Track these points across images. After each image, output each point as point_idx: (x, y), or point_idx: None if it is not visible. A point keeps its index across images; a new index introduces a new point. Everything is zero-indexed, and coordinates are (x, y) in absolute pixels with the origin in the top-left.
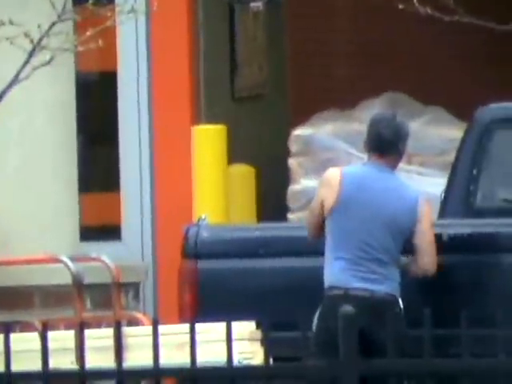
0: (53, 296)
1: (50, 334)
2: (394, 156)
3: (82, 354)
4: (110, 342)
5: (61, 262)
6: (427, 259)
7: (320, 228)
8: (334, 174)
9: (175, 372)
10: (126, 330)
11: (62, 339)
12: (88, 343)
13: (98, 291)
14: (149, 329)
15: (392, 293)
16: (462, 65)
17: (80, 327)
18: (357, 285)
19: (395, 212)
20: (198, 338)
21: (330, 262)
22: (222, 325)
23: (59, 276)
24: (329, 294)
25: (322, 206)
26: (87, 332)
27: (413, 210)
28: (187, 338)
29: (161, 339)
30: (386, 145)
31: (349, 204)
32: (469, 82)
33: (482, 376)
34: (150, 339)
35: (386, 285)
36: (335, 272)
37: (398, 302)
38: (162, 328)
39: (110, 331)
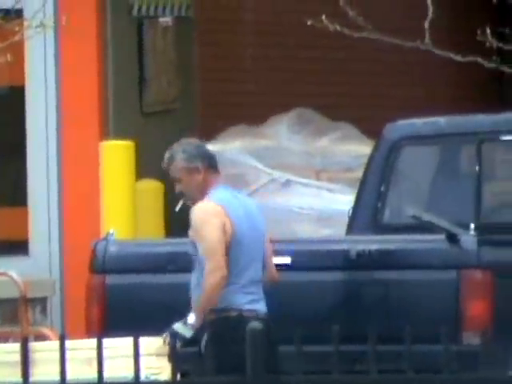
0: None
1: None
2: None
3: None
4: (17, 356)
5: None
6: (275, 270)
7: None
8: (215, 213)
9: None
10: (33, 345)
11: None
12: None
13: (6, 306)
14: (56, 344)
15: (267, 312)
16: (372, 81)
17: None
18: (247, 307)
19: (260, 228)
20: (105, 353)
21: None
22: (130, 340)
23: None
24: (223, 315)
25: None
26: None
27: (263, 222)
28: (94, 353)
29: (68, 354)
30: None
31: (237, 236)
32: (378, 98)
33: None
34: (57, 354)
35: (263, 305)
36: (229, 296)
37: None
38: (69, 343)
39: (17, 346)
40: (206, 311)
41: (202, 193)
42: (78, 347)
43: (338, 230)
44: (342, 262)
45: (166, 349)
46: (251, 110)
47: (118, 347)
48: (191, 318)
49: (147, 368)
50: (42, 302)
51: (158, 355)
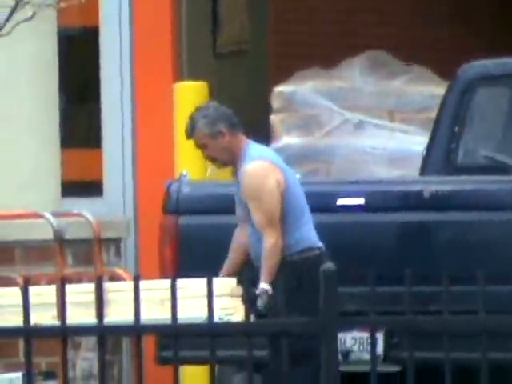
0: (34, 251)
1: (32, 289)
2: None
3: (64, 309)
4: (92, 297)
5: (42, 217)
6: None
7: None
8: (264, 163)
9: (156, 328)
10: (108, 286)
11: (43, 294)
12: (69, 298)
13: (80, 247)
14: (130, 284)
15: None
16: (447, 23)
17: (61, 282)
18: (321, 244)
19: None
20: (179, 293)
21: (298, 227)
22: (203, 280)
23: (41, 231)
24: (310, 254)
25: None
26: (68, 287)
27: None
28: (168, 293)
29: (142, 295)
30: None
31: (290, 187)
32: (453, 40)
33: (461, 333)
34: (131, 294)
35: None
36: (309, 234)
37: None
38: (142, 284)
39: (91, 286)
40: (272, 275)
41: (230, 155)
42: (151, 288)
43: (411, 170)
44: (415, 202)
45: (240, 290)
46: (324, 51)
47: (192, 288)
48: (268, 288)
49: (221, 309)
50: (116, 242)
51: (231, 296)
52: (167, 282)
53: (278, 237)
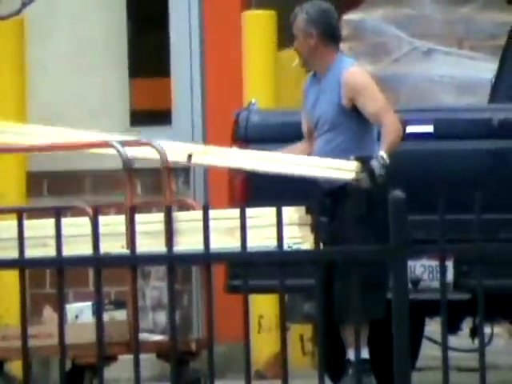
0: (103, 181)
1: (101, 219)
2: None
3: (133, 239)
4: (161, 226)
5: (112, 146)
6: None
7: None
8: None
9: (226, 256)
10: (177, 215)
11: (112, 224)
12: (138, 228)
13: (149, 176)
14: (199, 214)
15: None
16: None
17: (131, 212)
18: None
19: None
20: (248, 222)
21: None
22: (272, 210)
23: (110, 161)
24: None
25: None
26: (138, 217)
27: None
28: (237, 222)
29: (211, 224)
30: None
31: None
32: None
33: None
34: (201, 224)
35: None
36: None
37: None
38: (212, 213)
39: (160, 216)
40: (392, 149)
41: (313, 59)
42: (220, 217)
43: (480, 98)
44: (484, 130)
45: (309, 218)
46: None
47: (261, 217)
48: (385, 157)
49: (290, 238)
50: (185, 172)
51: (300, 225)
52: (236, 212)
53: (397, 119)
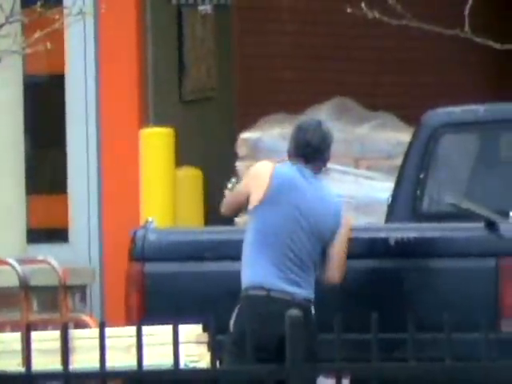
0: (0, 298)
1: None
2: (320, 163)
3: (29, 356)
4: (57, 344)
5: (7, 264)
6: (337, 272)
7: (236, 211)
8: (265, 167)
9: (122, 374)
10: (73, 333)
11: (8, 341)
12: (35, 345)
13: (45, 293)
14: (95, 331)
15: (309, 298)
16: (410, 68)
17: (26, 329)
18: (280, 286)
19: (320, 217)
20: (144, 340)
21: (251, 260)
22: (169, 327)
23: (6, 278)
24: (251, 293)
25: (247, 197)
26: (34, 334)
27: (335, 218)
28: (134, 340)
29: (107, 341)
30: (314, 152)
31: (276, 201)
32: (416, 86)
33: (428, 381)
34: (97, 342)
35: (304, 289)
36: (258, 271)
37: (311, 307)
38: (108, 330)
39: (56, 333)
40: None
41: None
42: (117, 335)
43: (377, 217)
44: (380, 249)
45: (205, 336)
46: (290, 97)
47: (158, 335)
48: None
49: (187, 356)
50: (82, 289)
51: (197, 343)
52: (133, 329)
53: (224, 206)
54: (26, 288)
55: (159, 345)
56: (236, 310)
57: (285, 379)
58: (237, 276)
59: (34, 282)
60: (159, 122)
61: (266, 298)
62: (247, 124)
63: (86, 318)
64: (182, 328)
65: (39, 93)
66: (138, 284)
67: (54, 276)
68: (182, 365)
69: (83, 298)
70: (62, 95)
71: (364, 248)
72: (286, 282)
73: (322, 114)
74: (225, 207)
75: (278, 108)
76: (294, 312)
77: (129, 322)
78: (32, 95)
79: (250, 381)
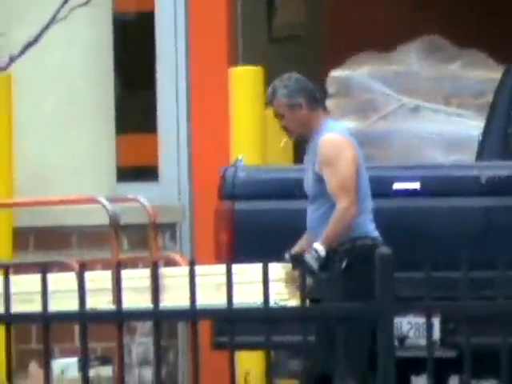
0: (90, 237)
1: (87, 275)
2: None
3: (119, 295)
4: (147, 282)
5: (98, 202)
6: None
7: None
8: (346, 146)
9: (212, 312)
10: (163, 271)
11: (99, 279)
12: (125, 283)
13: (135, 232)
14: (185, 269)
15: None
16: (499, 8)
17: (117, 267)
18: (376, 234)
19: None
20: (234, 278)
21: (364, 212)
22: (259, 266)
23: (96, 217)
24: (372, 242)
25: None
26: (124, 272)
27: None
28: (224, 278)
29: (197, 280)
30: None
31: (362, 163)
32: (507, 25)
33: None
34: (187, 280)
35: None
36: (366, 223)
37: None
38: (198, 269)
39: (146, 272)
40: (331, 241)
41: (306, 128)
42: (207, 273)
43: (468, 155)
44: (471, 187)
45: (295, 275)
46: (380, 36)
47: (247, 273)
48: (320, 249)
49: (276, 294)
50: (172, 227)
51: (286, 281)
52: (223, 267)
53: (352, 203)
54: (116, 227)
55: (249, 283)
56: (347, 261)
57: (375, 318)
58: None
59: (124, 221)
60: (248, 60)
61: (374, 245)
62: (336, 62)
63: (175, 256)
64: (271, 266)
65: (129, 31)
66: (227, 222)
67: (144, 214)
68: (271, 303)
69: (173, 237)
70: (152, 33)
71: (455, 186)
72: (375, 230)
73: (412, 52)
74: (353, 203)
75: (367, 46)
76: (384, 249)
77: (218, 260)
78: (121, 34)
79: (339, 319)
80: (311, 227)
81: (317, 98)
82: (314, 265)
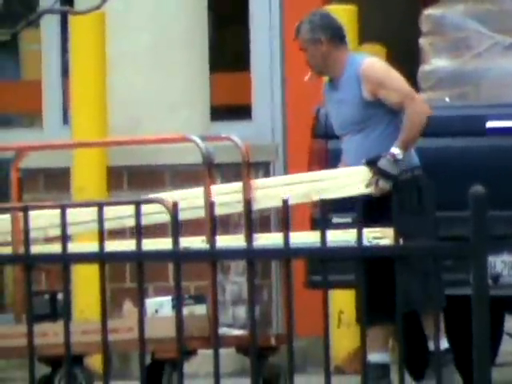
0: (183, 175)
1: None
2: None
3: (213, 233)
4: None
5: (191, 141)
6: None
7: None
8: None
9: (305, 252)
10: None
11: (190, 198)
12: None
13: (229, 170)
14: (278, 179)
15: None
16: None
17: (210, 206)
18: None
19: None
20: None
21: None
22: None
23: (190, 155)
24: (419, 173)
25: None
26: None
27: None
28: (315, 185)
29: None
30: None
31: None
32: None
33: None
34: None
35: None
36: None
37: None
38: (286, 178)
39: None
40: (408, 146)
41: (327, 65)
42: (296, 181)
43: None
44: None
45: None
46: None
47: (338, 177)
48: (398, 153)
49: (369, 232)
50: (265, 166)
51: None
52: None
53: (422, 102)
54: (209, 165)
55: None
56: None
57: (468, 256)
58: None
59: (217, 159)
60: None
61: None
62: (431, 0)
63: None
64: (358, 169)
65: None
66: (320, 160)
67: (238, 153)
68: (365, 242)
69: (266, 175)
70: None
71: None
72: None
73: None
74: (422, 101)
75: None
76: (477, 188)
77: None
78: None
79: (433, 256)
80: (362, 155)
81: (341, 36)
82: (391, 169)
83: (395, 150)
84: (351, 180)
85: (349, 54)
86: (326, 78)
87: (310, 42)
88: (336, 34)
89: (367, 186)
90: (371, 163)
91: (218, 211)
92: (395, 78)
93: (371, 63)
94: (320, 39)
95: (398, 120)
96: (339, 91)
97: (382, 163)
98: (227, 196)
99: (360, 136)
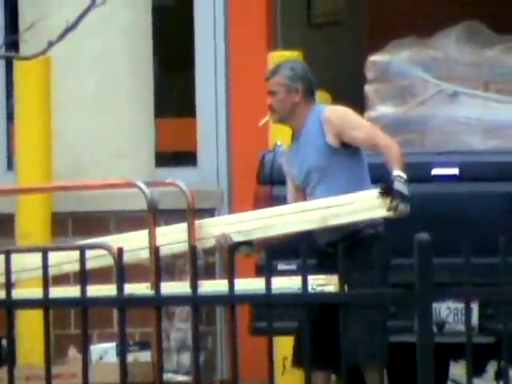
0: (128, 221)
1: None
2: None
3: (157, 279)
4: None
5: (136, 186)
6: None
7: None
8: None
9: (250, 298)
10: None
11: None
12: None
13: (173, 217)
14: (291, 207)
15: None
16: None
17: (155, 252)
18: None
19: None
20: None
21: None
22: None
23: (134, 201)
24: (381, 230)
25: None
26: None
27: None
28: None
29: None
30: None
31: None
32: None
33: None
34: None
35: None
36: None
37: None
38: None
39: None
40: (400, 162)
41: (292, 114)
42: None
43: (506, 141)
44: (510, 173)
45: (389, 203)
46: (418, 21)
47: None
48: (402, 174)
49: (313, 279)
50: (210, 212)
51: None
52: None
53: (391, 139)
54: (154, 211)
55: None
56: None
57: (413, 303)
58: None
59: (162, 205)
60: (287, 45)
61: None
62: (375, 47)
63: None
64: (367, 192)
65: (167, 15)
66: (266, 207)
67: (183, 199)
68: (309, 289)
69: None
70: (191, 18)
71: (494, 172)
72: None
73: (452, 38)
74: (391, 139)
75: (406, 32)
76: (425, 235)
77: None
78: (160, 17)
79: (378, 305)
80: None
81: (313, 91)
82: (407, 191)
83: (398, 172)
84: (367, 204)
85: (312, 108)
86: (284, 142)
87: (286, 88)
88: (310, 88)
89: (389, 209)
90: (387, 187)
91: (164, 251)
92: (358, 117)
93: (333, 108)
94: (297, 89)
95: (358, 173)
96: (301, 142)
97: (399, 186)
98: (171, 236)
99: (327, 182)
